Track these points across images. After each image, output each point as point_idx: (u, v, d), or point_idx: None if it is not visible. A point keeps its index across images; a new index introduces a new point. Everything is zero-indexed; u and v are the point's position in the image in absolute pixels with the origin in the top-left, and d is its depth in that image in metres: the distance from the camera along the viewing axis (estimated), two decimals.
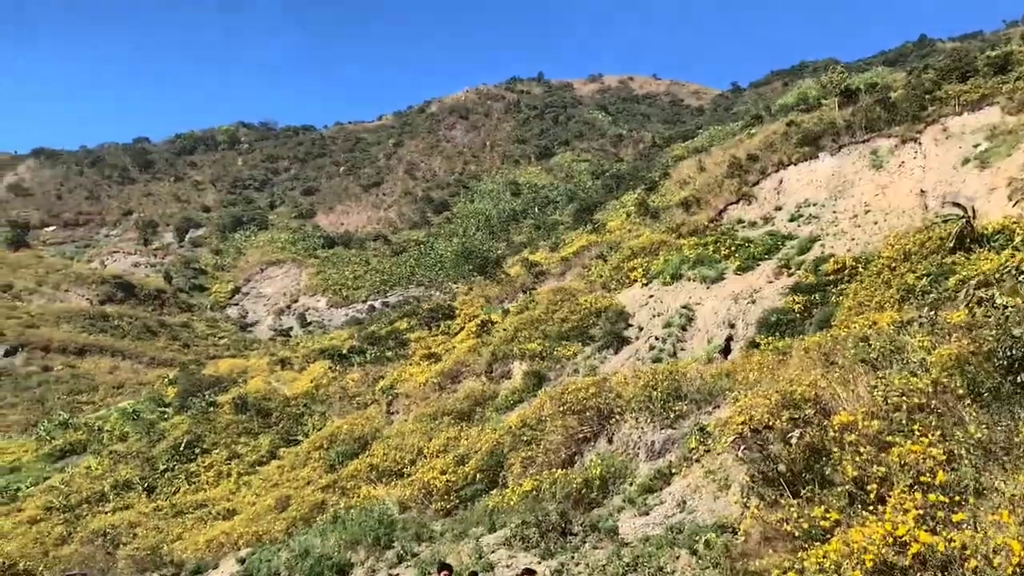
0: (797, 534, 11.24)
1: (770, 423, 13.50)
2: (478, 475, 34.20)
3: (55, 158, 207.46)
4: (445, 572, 15.97)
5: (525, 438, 33.55)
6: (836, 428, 12.44)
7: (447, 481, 33.87)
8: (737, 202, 66.03)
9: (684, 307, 51.18)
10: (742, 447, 13.73)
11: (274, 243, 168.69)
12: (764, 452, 12.84)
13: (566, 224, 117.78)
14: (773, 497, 12.46)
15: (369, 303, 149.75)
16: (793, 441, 12.77)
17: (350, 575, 25.91)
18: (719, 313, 47.48)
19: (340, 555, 26.73)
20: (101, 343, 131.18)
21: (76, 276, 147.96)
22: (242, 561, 35.47)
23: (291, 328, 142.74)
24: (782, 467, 12.51)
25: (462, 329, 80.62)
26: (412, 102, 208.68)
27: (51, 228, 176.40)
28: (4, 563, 46.42)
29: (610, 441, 26.92)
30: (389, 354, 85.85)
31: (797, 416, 13.59)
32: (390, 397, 69.67)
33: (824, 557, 9.86)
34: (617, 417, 26.83)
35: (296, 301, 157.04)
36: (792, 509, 11.69)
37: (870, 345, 16.61)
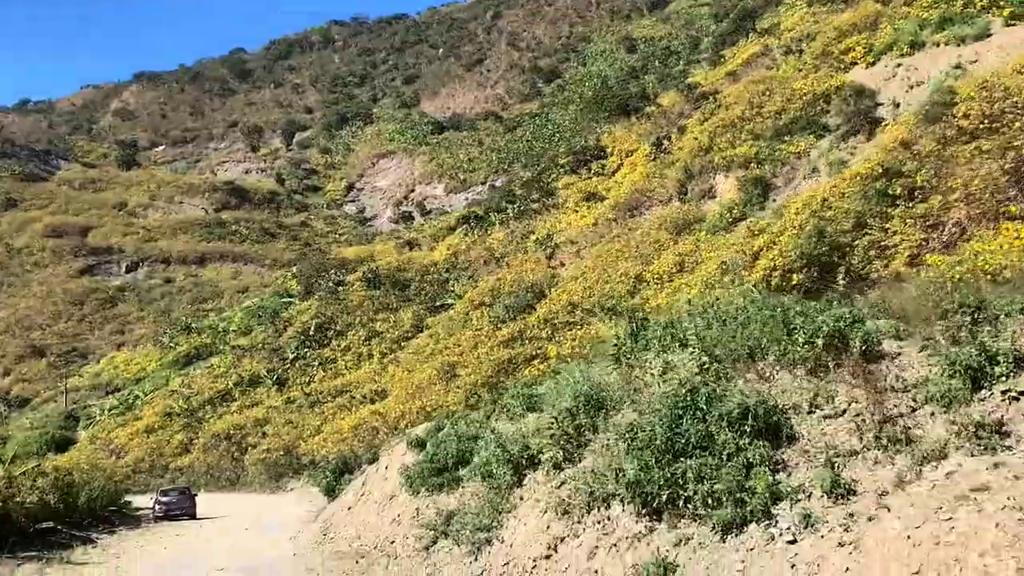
0: None
1: None
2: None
3: (156, 80, 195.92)
4: None
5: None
6: None
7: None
8: None
9: (956, 67, 32.53)
10: None
11: (382, 136, 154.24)
12: None
13: (706, 57, 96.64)
14: None
15: (489, 183, 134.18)
16: None
17: None
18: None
19: None
20: (221, 250, 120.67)
21: (188, 187, 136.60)
22: (419, 444, 19.30)
23: (411, 217, 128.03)
24: None
25: (620, 167, 62.98)
26: None
27: (160, 147, 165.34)
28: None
29: None
30: (535, 206, 69.16)
31: None
32: (549, 248, 53.31)
33: None
34: None
35: (412, 191, 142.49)
36: None
37: None
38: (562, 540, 11.59)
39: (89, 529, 26.42)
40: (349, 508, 23.53)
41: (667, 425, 10.29)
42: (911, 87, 35.74)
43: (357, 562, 17.77)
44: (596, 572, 10.43)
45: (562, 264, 50.34)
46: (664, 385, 11.65)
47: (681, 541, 9.63)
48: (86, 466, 32.93)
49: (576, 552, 11.09)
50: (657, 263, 36.76)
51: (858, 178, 26.22)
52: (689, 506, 9.81)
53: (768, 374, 11.11)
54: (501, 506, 13.63)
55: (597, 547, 10.68)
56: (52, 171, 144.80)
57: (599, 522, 11.07)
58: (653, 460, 10.10)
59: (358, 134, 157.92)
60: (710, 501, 9.56)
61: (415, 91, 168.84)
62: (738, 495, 9.26)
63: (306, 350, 61.04)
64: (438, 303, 59.18)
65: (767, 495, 9.14)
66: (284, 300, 77.76)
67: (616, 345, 14.36)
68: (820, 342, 10.57)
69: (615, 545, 10.43)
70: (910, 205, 23.50)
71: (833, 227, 25.91)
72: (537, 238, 58.31)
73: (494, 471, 14.43)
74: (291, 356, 60.93)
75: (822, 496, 8.85)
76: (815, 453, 9.59)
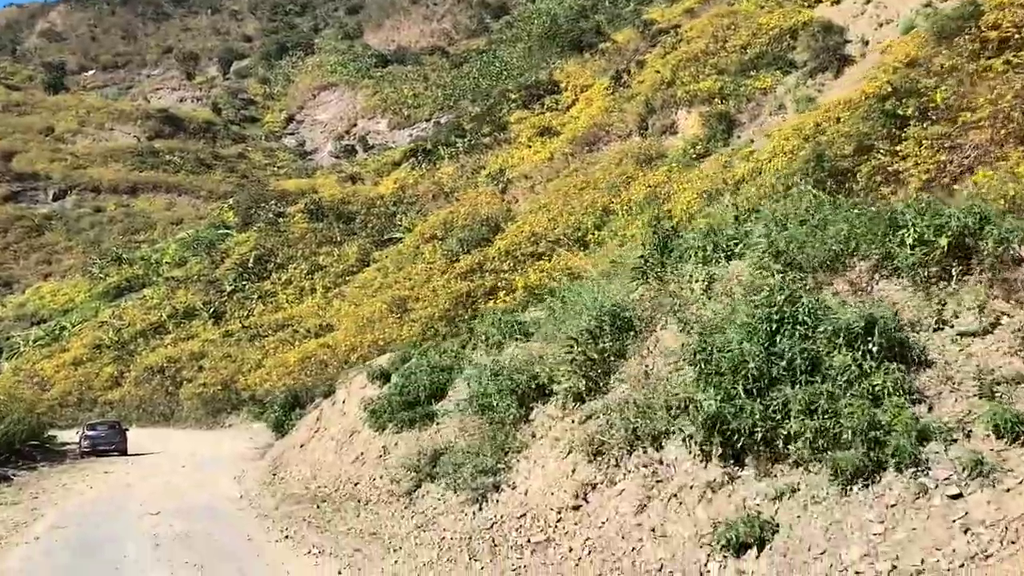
0: None
1: None
2: None
3: (86, 1, 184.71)
4: None
5: None
6: None
7: None
8: None
9: (926, 5, 30.90)
10: None
11: (323, 67, 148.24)
12: None
13: None
14: None
15: (434, 120, 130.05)
16: None
17: None
18: None
19: None
20: (154, 180, 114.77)
21: (119, 114, 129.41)
22: (383, 376, 16.73)
23: (354, 151, 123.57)
24: None
25: (575, 102, 60.48)
26: None
27: (90, 72, 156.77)
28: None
29: None
30: (486, 140, 66.08)
31: None
32: (502, 183, 50.57)
33: None
34: None
35: (355, 125, 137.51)
36: None
37: None
38: (593, 487, 9.20)
39: (5, 465, 23.33)
40: (301, 445, 20.88)
41: (762, 344, 7.87)
42: (880, 25, 34.42)
43: (318, 507, 15.20)
44: (653, 531, 8.05)
45: (516, 199, 47.89)
46: (739, 300, 9.19)
47: (781, 494, 7.30)
48: (2, 397, 29.56)
49: (616, 504, 8.72)
50: (626, 194, 34.60)
51: (864, 99, 23.98)
52: (791, 447, 7.46)
53: (864, 284, 8.77)
54: (507, 445, 11.19)
55: (649, 497, 8.28)
56: None
57: (646, 466, 8.68)
58: (741, 389, 7.70)
59: (298, 65, 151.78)
60: (821, 442, 7.21)
61: (358, 22, 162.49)
62: (870, 433, 6.92)
63: (245, 283, 57.49)
64: (385, 237, 56.12)
65: (911, 433, 6.83)
66: (221, 232, 73.59)
67: (643, 258, 11.87)
68: (944, 243, 8.22)
69: (676, 496, 8.06)
70: (924, 126, 21.32)
71: (833, 151, 23.74)
72: (489, 172, 55.65)
73: (495, 403, 11.90)
74: (229, 289, 57.36)
75: (988, 435, 6.58)
76: (962, 380, 7.31)
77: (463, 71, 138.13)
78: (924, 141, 21.02)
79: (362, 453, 17.28)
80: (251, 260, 59.05)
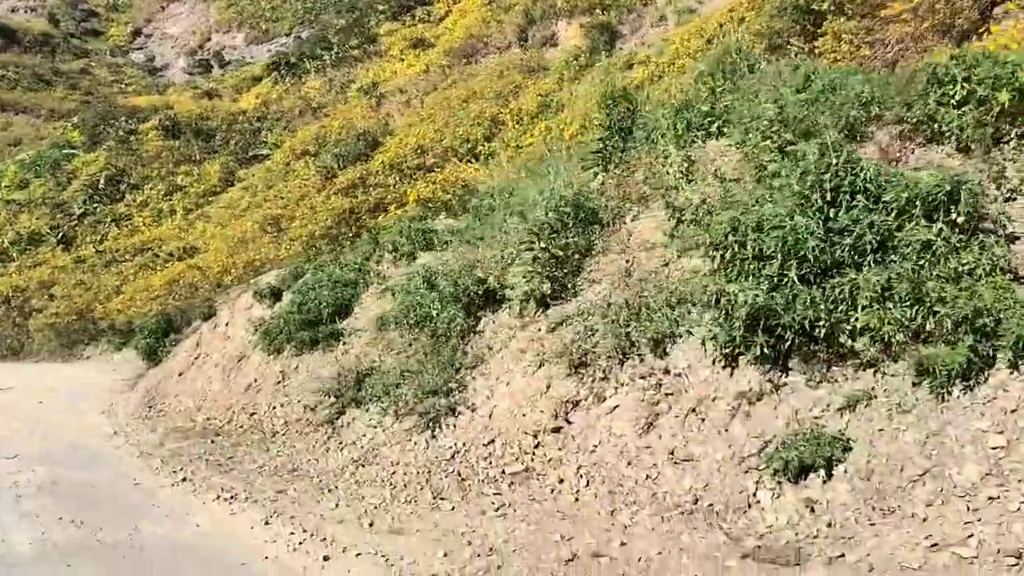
0: None
1: None
2: None
3: None
4: None
5: None
6: None
7: None
8: None
9: None
10: None
11: None
12: None
13: None
14: None
15: (295, 35, 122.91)
16: None
17: None
18: None
19: None
20: None
21: None
22: (273, 295, 14.55)
23: (209, 67, 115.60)
24: None
25: (448, 13, 57.71)
26: None
27: None
28: None
29: None
30: (355, 53, 62.42)
31: None
32: (374, 97, 47.61)
33: None
34: None
35: (208, 40, 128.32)
36: None
37: None
38: (576, 405, 7.56)
39: None
40: (180, 374, 18.41)
41: (819, 219, 6.28)
42: None
43: (212, 441, 13.01)
44: (672, 454, 6.48)
45: (391, 114, 45.34)
46: (745, 179, 7.57)
47: (852, 402, 5.82)
48: None
49: (608, 423, 7.11)
50: (516, 103, 32.78)
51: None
52: (858, 344, 5.97)
53: (898, 152, 7.31)
54: (458, 360, 9.37)
55: (656, 414, 6.70)
56: None
57: (645, 377, 7.07)
58: (794, 275, 6.12)
59: None
60: (900, 336, 5.76)
61: None
62: (976, 322, 5.49)
63: (96, 205, 52.56)
64: (250, 154, 52.36)
65: None
66: (67, 152, 67.27)
67: (602, 141, 10.11)
68: (1004, 99, 6.81)
69: (695, 411, 6.50)
70: (841, 21, 20.29)
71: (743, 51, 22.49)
72: (360, 86, 52.56)
73: (433, 314, 10.02)
74: (78, 212, 52.37)
75: None
76: None
77: None
78: (844, 36, 19.97)
79: (256, 380, 15.15)
80: (102, 181, 54.06)
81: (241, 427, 13.83)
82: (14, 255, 49.50)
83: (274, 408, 13.69)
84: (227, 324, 18.35)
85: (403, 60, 53.15)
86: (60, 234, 50.35)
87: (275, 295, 17.18)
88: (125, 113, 69.01)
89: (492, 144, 30.52)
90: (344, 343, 13.84)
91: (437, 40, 53.32)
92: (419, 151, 28.63)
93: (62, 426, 16.64)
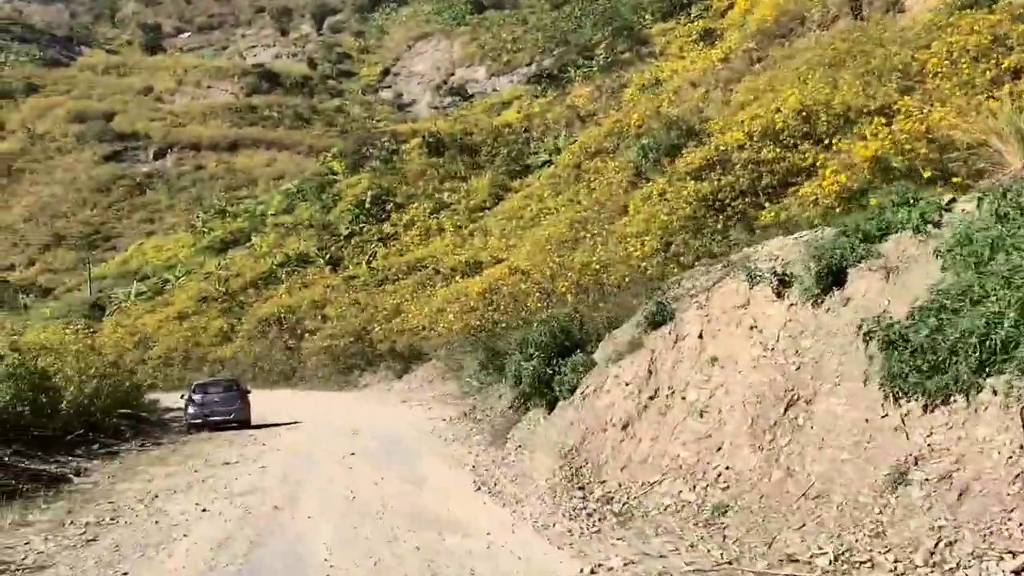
0: None
1: None
2: None
3: None
4: None
5: None
6: None
7: None
8: None
9: None
10: None
11: (418, 17, 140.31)
12: None
13: None
14: None
15: (536, 64, 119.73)
16: None
17: None
18: None
19: None
20: (253, 136, 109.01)
21: (216, 71, 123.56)
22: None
23: (458, 96, 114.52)
24: None
25: (732, 6, 51.57)
26: None
27: (186, 34, 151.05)
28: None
29: None
30: (626, 57, 56.62)
31: None
32: (664, 94, 41.30)
33: None
34: None
35: (452, 74, 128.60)
36: None
37: None
38: None
39: (71, 449, 14.60)
40: (622, 426, 11.18)
41: None
42: None
43: None
44: None
45: (701, 104, 38.02)
46: None
47: None
48: (78, 349, 21.15)
49: None
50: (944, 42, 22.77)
51: None
52: None
53: None
54: None
55: None
56: (74, 57, 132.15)
57: None
58: None
59: (392, 16, 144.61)
60: None
61: None
62: None
63: (362, 225, 48.88)
64: (523, 163, 46.98)
65: None
66: (329, 178, 65.15)
67: None
68: None
69: None
70: None
71: None
72: (642, 84, 46.17)
73: None
74: (345, 232, 48.97)
75: None
76: None
77: (564, 11, 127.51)
78: None
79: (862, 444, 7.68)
80: (368, 200, 50.37)
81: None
82: (282, 277, 46.39)
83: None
84: (713, 335, 10.77)
85: (684, 57, 46.35)
86: (327, 255, 46.90)
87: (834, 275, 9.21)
88: (386, 134, 66.35)
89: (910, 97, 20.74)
90: None
91: (724, 31, 46.15)
92: (803, 116, 20.61)
93: (432, 522, 9.74)
